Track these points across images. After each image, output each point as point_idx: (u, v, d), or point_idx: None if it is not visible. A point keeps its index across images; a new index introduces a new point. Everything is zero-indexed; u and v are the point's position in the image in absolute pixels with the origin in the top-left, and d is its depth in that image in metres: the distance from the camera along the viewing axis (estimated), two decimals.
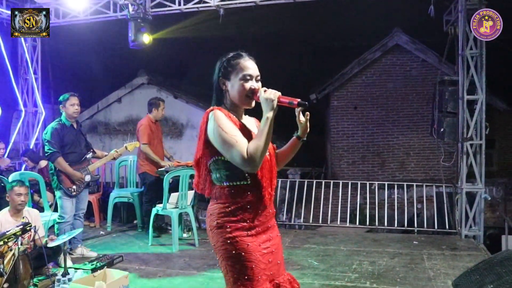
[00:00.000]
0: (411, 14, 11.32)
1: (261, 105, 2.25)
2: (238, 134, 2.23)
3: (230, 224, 2.29)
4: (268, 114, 2.19)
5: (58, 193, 5.25)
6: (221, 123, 2.22)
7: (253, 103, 2.36)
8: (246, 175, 2.29)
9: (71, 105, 5.24)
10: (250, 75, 2.33)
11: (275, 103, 2.21)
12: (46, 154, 5.22)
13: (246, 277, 2.26)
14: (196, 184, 2.47)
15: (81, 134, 5.49)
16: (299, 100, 2.23)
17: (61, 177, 5.18)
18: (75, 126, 5.40)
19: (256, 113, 2.40)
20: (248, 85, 2.32)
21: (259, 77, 2.38)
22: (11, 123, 9.04)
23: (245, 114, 2.49)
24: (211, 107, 2.34)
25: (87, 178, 5.36)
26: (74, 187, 5.23)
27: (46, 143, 5.18)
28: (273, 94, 2.21)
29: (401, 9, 11.55)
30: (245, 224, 2.30)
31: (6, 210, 4.61)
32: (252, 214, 2.31)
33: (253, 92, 2.32)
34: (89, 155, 5.46)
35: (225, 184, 2.32)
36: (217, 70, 2.39)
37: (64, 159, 5.17)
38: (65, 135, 5.23)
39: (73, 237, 5.33)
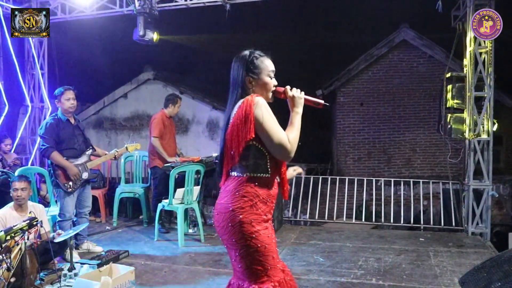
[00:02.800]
0: (418, 9, 11.23)
1: (289, 102, 2.53)
2: (276, 122, 2.40)
3: (253, 218, 2.38)
4: (299, 110, 2.50)
5: (56, 191, 5.19)
6: (267, 109, 2.40)
7: (272, 98, 2.57)
8: (268, 168, 2.42)
9: (67, 100, 5.10)
10: (273, 71, 2.55)
11: (303, 101, 2.52)
12: (40, 150, 5.12)
13: (269, 267, 2.39)
14: (225, 171, 2.53)
15: (79, 129, 5.34)
16: (323, 102, 2.60)
17: (57, 172, 5.06)
18: (72, 121, 5.25)
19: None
20: (272, 81, 2.55)
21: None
22: (17, 119, 9.07)
23: None
24: (251, 95, 2.43)
25: (84, 175, 5.22)
26: (70, 183, 5.10)
27: (41, 139, 5.09)
28: (301, 93, 2.52)
29: (408, 4, 11.46)
30: (264, 217, 2.42)
31: (10, 204, 4.63)
32: (268, 207, 2.46)
33: (275, 88, 2.55)
34: (88, 152, 5.33)
35: (247, 175, 2.41)
36: (243, 68, 2.49)
37: (62, 155, 5.05)
38: (60, 131, 5.10)
39: (78, 233, 5.35)
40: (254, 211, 2.38)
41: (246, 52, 2.53)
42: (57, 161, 5.03)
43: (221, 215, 2.42)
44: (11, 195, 4.60)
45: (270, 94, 2.55)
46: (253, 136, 2.36)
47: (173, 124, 6.80)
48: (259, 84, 2.50)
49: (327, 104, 2.57)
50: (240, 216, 2.36)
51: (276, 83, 2.56)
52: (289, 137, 2.39)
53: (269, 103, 2.47)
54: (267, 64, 2.53)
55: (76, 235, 5.36)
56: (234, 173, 2.45)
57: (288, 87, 2.55)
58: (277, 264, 2.44)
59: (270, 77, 2.53)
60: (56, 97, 5.17)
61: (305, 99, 2.54)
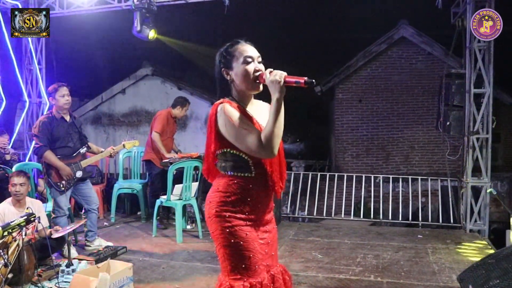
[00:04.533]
0: (417, 6, 11.21)
1: (269, 88, 2.18)
2: (249, 124, 2.23)
3: (229, 213, 2.32)
4: (277, 96, 2.13)
5: (49, 189, 5.15)
6: (231, 116, 2.21)
7: (261, 87, 2.32)
8: (252, 167, 2.31)
9: (61, 96, 5.01)
10: (250, 57, 2.29)
11: (282, 84, 2.12)
12: (34, 149, 5.05)
13: (243, 266, 2.31)
14: (205, 170, 2.49)
15: (74, 127, 5.24)
16: (305, 78, 2.12)
17: (50, 171, 5.01)
18: (67, 118, 5.15)
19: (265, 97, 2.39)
20: (251, 67, 2.28)
21: (260, 58, 2.34)
22: (15, 114, 9.04)
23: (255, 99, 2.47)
24: (220, 100, 2.32)
25: (78, 174, 5.14)
26: (63, 182, 5.05)
27: (34, 137, 5.03)
28: (279, 75, 2.13)
29: (407, 1, 11.44)
30: (243, 215, 2.33)
31: (8, 200, 4.61)
32: (251, 207, 2.35)
33: (258, 74, 2.28)
34: (83, 150, 5.25)
35: (229, 173, 2.34)
36: (217, 62, 2.37)
37: (56, 154, 4.99)
38: (54, 129, 5.01)
39: (89, 230, 5.35)
40: (230, 207, 2.31)
41: (221, 48, 2.38)
42: (50, 161, 4.97)
43: (206, 206, 2.42)
44: (9, 190, 4.59)
45: (255, 83, 2.30)
46: (215, 148, 2.31)
47: (175, 125, 6.87)
48: (236, 74, 2.30)
49: (313, 80, 2.11)
50: (215, 210, 2.33)
51: (260, 67, 2.30)
52: (264, 133, 2.15)
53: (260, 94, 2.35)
54: (242, 50, 2.30)
55: (87, 232, 5.36)
56: (219, 169, 2.41)
57: (266, 71, 2.22)
58: (258, 266, 2.33)
59: (247, 62, 2.27)
60: (50, 94, 5.09)
61: (286, 82, 2.13)
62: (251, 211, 2.34)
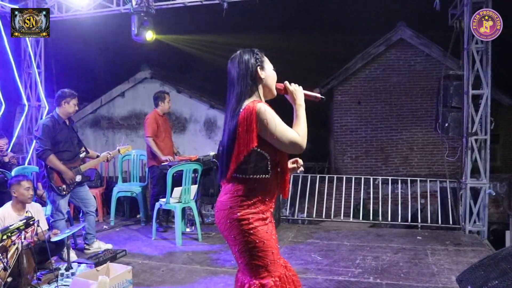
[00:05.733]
0: (416, 8, 11.24)
1: (289, 96, 2.55)
2: (284, 123, 2.44)
3: (252, 215, 2.42)
4: (301, 102, 2.52)
5: (48, 193, 5.13)
6: (273, 115, 2.40)
7: (275, 93, 2.59)
8: (269, 169, 2.44)
9: (73, 105, 5.13)
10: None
11: (303, 93, 2.55)
12: (37, 152, 5.06)
13: (269, 263, 2.43)
14: (229, 175, 2.51)
15: (73, 131, 5.30)
16: (320, 96, 2.63)
17: (52, 175, 5.02)
18: (67, 123, 5.21)
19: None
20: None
21: None
22: (14, 118, 9.04)
23: None
24: (252, 101, 2.42)
25: (78, 178, 5.17)
26: (64, 186, 5.07)
27: (37, 141, 5.04)
28: (299, 87, 2.56)
29: (405, 2, 11.47)
30: (263, 215, 2.46)
31: (8, 204, 4.60)
32: (267, 206, 2.49)
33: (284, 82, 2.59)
34: (82, 154, 5.30)
35: (249, 176, 2.43)
36: (252, 61, 2.49)
37: (58, 157, 5.01)
38: (57, 132, 5.05)
39: (88, 232, 5.35)
40: (252, 209, 2.42)
41: (246, 49, 2.54)
42: (53, 165, 4.99)
43: (221, 212, 2.48)
44: (14, 195, 4.56)
45: (274, 89, 2.58)
46: (255, 145, 2.39)
47: (167, 122, 6.79)
48: (268, 76, 2.54)
49: (323, 97, 2.62)
50: (238, 214, 2.41)
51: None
52: (299, 131, 2.43)
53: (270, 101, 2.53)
54: (268, 59, 2.58)
55: (86, 235, 5.37)
56: (235, 174, 2.46)
57: (286, 82, 2.58)
58: (277, 260, 2.46)
59: (273, 68, 2.58)
60: (58, 99, 5.12)
61: (305, 94, 2.57)
62: (267, 209, 2.50)
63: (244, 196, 2.43)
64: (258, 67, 2.49)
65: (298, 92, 2.54)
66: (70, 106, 5.12)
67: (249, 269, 2.44)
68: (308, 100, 2.59)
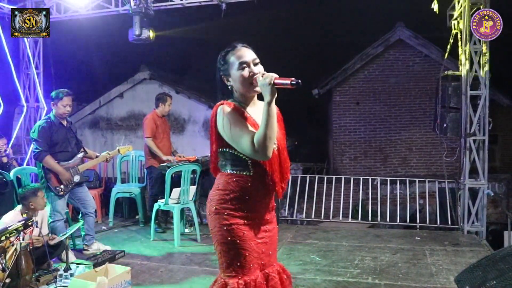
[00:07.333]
0: (414, 8, 11.25)
1: (261, 92, 2.20)
2: (244, 126, 2.28)
3: (228, 211, 2.38)
4: (268, 99, 2.15)
5: (47, 194, 5.09)
6: (229, 117, 2.28)
7: (258, 89, 2.30)
8: (250, 166, 2.36)
9: (63, 106, 5.07)
10: (245, 62, 2.33)
11: (272, 86, 2.14)
12: (33, 154, 5.05)
13: (238, 264, 2.37)
14: (212, 169, 2.56)
15: (71, 132, 5.29)
16: (292, 79, 2.12)
17: (49, 175, 5.02)
18: (64, 124, 5.20)
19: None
20: (246, 72, 2.32)
21: (257, 61, 2.38)
22: (13, 118, 9.04)
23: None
24: (220, 102, 2.39)
25: (76, 178, 5.16)
26: (62, 186, 5.06)
27: (34, 142, 5.03)
28: (269, 78, 2.15)
29: (404, 3, 11.49)
30: (242, 213, 2.38)
31: (17, 210, 4.55)
32: (249, 206, 2.39)
33: (252, 78, 2.31)
34: (80, 155, 5.28)
35: (228, 171, 2.40)
36: (217, 67, 2.45)
37: (54, 158, 5.00)
38: (53, 134, 5.04)
39: (87, 233, 5.34)
40: (229, 205, 2.37)
41: (220, 53, 2.44)
42: (50, 166, 4.99)
43: (207, 205, 2.48)
44: (33, 206, 4.50)
45: (253, 86, 2.33)
46: (216, 148, 2.40)
47: (166, 123, 6.79)
48: (234, 80, 2.36)
49: (299, 81, 2.10)
50: (216, 207, 2.40)
51: (255, 70, 2.32)
52: (255, 138, 2.18)
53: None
54: (237, 56, 2.34)
55: (85, 235, 5.36)
56: (218, 168, 2.48)
57: (258, 75, 2.28)
58: (252, 264, 2.38)
59: (242, 68, 2.31)
60: (53, 99, 5.12)
61: (276, 84, 2.14)
62: (250, 209, 2.39)
63: (222, 190, 2.39)
64: (223, 75, 2.41)
65: (263, 87, 2.16)
66: (60, 107, 5.08)
67: (220, 264, 2.45)
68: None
